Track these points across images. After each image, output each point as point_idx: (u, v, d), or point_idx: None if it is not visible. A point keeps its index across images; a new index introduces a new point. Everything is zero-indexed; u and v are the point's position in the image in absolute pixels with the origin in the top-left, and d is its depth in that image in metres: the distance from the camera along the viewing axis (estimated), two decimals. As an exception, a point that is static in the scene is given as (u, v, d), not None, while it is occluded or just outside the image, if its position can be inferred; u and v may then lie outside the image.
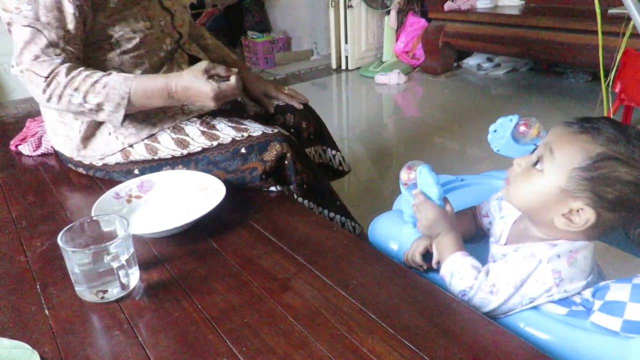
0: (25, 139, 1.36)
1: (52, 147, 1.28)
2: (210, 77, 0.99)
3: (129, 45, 1.06)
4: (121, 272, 0.74)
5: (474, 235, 0.93)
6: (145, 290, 0.78)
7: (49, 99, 0.98)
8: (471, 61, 3.93)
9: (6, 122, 1.66)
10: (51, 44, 0.96)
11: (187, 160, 1.11)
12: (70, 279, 0.76)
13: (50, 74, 0.95)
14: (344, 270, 0.80)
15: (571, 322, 0.70)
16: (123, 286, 0.76)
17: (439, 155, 2.47)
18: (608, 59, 1.58)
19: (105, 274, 0.74)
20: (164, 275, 0.81)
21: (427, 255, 0.85)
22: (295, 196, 1.11)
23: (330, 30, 4.08)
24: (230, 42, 4.82)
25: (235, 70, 1.02)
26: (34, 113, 1.60)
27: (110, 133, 1.10)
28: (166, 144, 1.10)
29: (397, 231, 0.93)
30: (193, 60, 1.18)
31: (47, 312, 0.74)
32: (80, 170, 1.20)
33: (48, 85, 0.96)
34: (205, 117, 1.14)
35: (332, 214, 1.19)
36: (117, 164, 1.13)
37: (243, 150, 1.07)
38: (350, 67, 4.12)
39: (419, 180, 0.83)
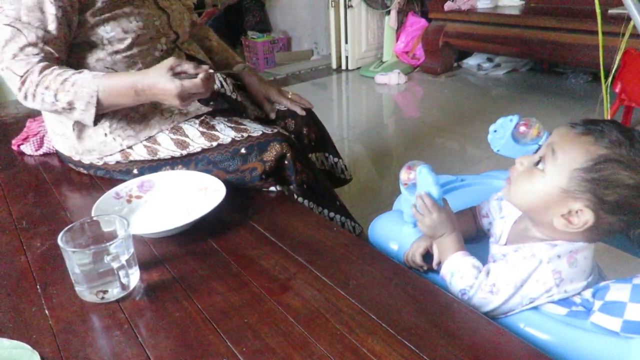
0: (27, 138, 1.36)
1: (53, 146, 1.28)
2: (177, 74, 0.95)
3: (121, 46, 1.05)
4: (121, 273, 0.74)
5: (474, 235, 0.93)
6: (146, 290, 0.78)
7: (25, 98, 0.99)
8: (471, 61, 3.93)
9: (6, 122, 1.66)
10: (30, 44, 0.96)
11: (187, 161, 1.11)
12: (70, 279, 0.76)
13: (26, 73, 0.96)
14: (344, 271, 0.80)
15: (571, 323, 0.70)
16: (123, 286, 0.76)
17: (439, 155, 2.46)
18: (608, 59, 1.58)
19: (105, 274, 0.74)
20: (164, 276, 0.82)
21: (427, 255, 0.85)
22: (296, 196, 1.11)
23: (330, 30, 4.08)
24: (231, 42, 4.82)
25: (205, 67, 0.97)
26: (34, 113, 1.60)
27: (106, 134, 1.10)
28: (166, 145, 1.10)
29: (397, 231, 0.93)
30: (192, 60, 1.18)
31: (47, 312, 0.74)
32: (81, 170, 1.20)
33: (23, 83, 0.97)
34: (205, 117, 1.14)
35: (332, 214, 1.19)
36: (117, 163, 1.13)
37: (243, 151, 1.07)
38: (350, 67, 4.12)
39: (419, 180, 0.83)
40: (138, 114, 1.10)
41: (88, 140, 1.12)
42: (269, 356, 0.63)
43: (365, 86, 3.79)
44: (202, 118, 1.13)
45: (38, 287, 0.80)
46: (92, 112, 0.98)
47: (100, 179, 1.16)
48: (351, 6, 3.86)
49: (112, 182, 1.12)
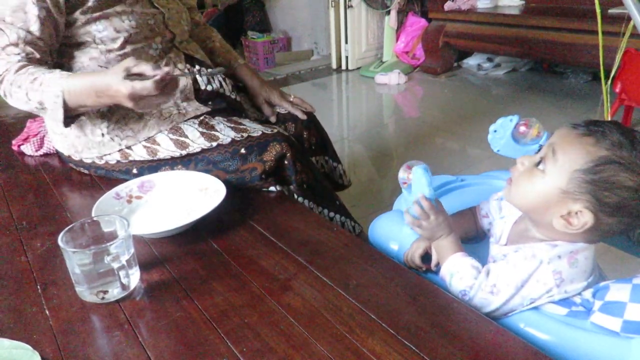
0: (27, 138, 1.37)
1: (53, 147, 1.28)
2: (133, 75, 0.90)
3: (114, 45, 1.05)
4: (121, 273, 0.74)
5: (474, 235, 0.93)
6: (146, 290, 0.78)
7: (4, 96, 1.00)
8: (471, 61, 3.93)
9: (7, 122, 1.66)
10: (11, 44, 0.97)
11: (187, 161, 1.11)
12: (70, 279, 0.76)
13: (4, 72, 0.97)
14: (344, 271, 0.80)
15: (571, 323, 0.70)
16: (123, 286, 0.76)
17: (439, 155, 2.47)
18: (608, 59, 1.58)
19: (105, 275, 0.74)
20: (165, 276, 0.82)
21: (426, 256, 0.85)
22: (296, 196, 1.11)
23: (330, 31, 4.08)
24: (231, 42, 4.80)
25: (163, 70, 0.90)
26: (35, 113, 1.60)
27: (103, 134, 1.10)
28: (165, 146, 1.10)
29: (397, 231, 0.94)
30: (190, 60, 1.18)
31: (47, 312, 0.74)
32: (81, 169, 1.20)
33: (1, 82, 0.98)
34: (204, 117, 1.14)
35: (332, 214, 1.19)
36: (117, 162, 1.13)
37: (243, 151, 1.07)
38: (350, 67, 4.12)
39: (413, 181, 0.83)
40: (136, 114, 1.10)
41: (86, 139, 1.12)
42: (269, 356, 0.63)
43: (365, 86, 3.79)
44: (201, 118, 1.13)
45: (38, 287, 0.80)
46: (60, 112, 0.96)
47: (100, 179, 1.16)
48: (351, 6, 3.87)
49: (112, 182, 1.12)
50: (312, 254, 0.85)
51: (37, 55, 1.00)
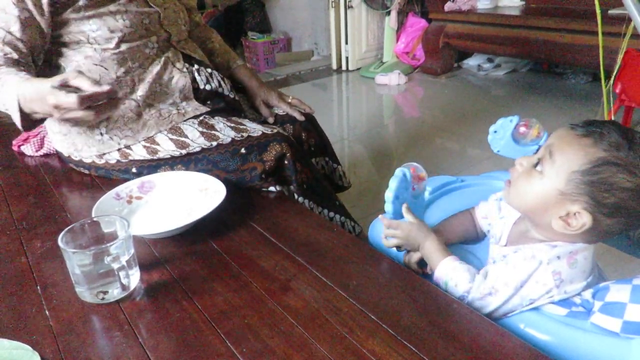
0: (27, 139, 1.37)
1: (53, 147, 1.28)
2: (69, 87, 0.86)
3: (109, 45, 1.05)
4: (122, 273, 0.74)
5: (474, 236, 0.93)
6: (146, 291, 0.78)
7: None
8: (471, 62, 3.94)
9: (7, 122, 1.66)
10: None
11: (187, 161, 1.11)
12: (70, 280, 0.76)
13: None
14: (344, 271, 0.80)
15: (571, 323, 0.70)
16: (123, 287, 0.76)
17: (439, 156, 2.47)
18: (608, 60, 1.58)
19: (105, 275, 0.74)
20: (165, 276, 0.82)
21: (423, 261, 0.85)
22: (296, 196, 1.11)
23: (330, 31, 4.08)
24: (231, 42, 4.83)
25: (103, 88, 0.84)
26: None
27: (102, 134, 1.11)
28: (165, 146, 1.10)
29: (398, 232, 0.93)
30: (188, 59, 1.18)
31: (47, 312, 0.74)
32: (82, 169, 1.20)
33: None
34: (204, 117, 1.14)
35: (331, 214, 1.19)
36: (117, 161, 1.13)
37: (243, 151, 1.07)
38: (350, 68, 4.13)
39: (387, 193, 0.84)
40: (135, 114, 1.10)
41: (86, 135, 1.12)
42: (269, 357, 0.63)
43: (366, 87, 3.79)
44: (201, 118, 1.13)
45: (38, 287, 0.80)
46: (17, 116, 0.94)
47: (100, 180, 1.16)
48: (351, 7, 3.87)
49: (113, 182, 1.12)
50: (312, 255, 0.85)
51: (15, 56, 0.99)
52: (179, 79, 1.14)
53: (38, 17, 0.99)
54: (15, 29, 0.98)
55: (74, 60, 1.07)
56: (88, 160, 1.16)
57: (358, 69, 4.12)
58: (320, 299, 0.73)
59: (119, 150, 1.12)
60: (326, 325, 0.68)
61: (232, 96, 1.25)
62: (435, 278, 0.79)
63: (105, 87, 0.85)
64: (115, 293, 0.76)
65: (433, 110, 3.22)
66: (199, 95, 1.17)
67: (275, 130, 1.11)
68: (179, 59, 1.16)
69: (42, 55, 1.06)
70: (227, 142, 1.08)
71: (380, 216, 0.85)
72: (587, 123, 0.70)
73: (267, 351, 0.64)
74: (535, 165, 0.73)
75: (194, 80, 1.16)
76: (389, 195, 0.81)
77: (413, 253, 0.86)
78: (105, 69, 1.07)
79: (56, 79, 0.86)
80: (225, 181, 1.01)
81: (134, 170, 1.13)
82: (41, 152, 1.33)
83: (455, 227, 0.91)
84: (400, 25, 3.98)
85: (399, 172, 0.82)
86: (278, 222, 0.97)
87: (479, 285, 0.74)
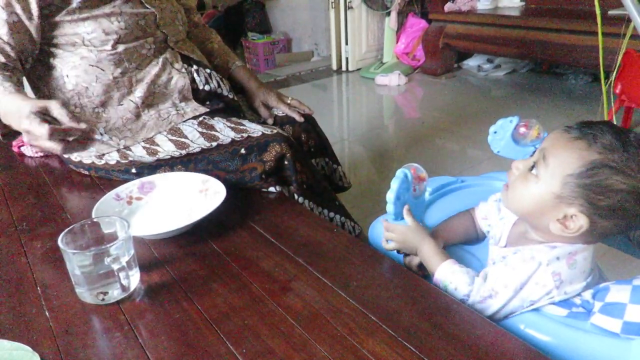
0: (26, 140, 1.37)
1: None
2: (46, 114, 0.86)
3: (105, 47, 1.05)
4: (122, 274, 0.74)
5: (474, 236, 0.93)
6: (146, 291, 0.78)
7: None
8: (471, 62, 3.94)
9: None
10: None
11: (187, 161, 1.11)
12: (70, 280, 0.76)
13: None
14: (344, 272, 0.80)
15: (571, 324, 0.70)
16: (123, 288, 0.76)
17: (439, 156, 2.47)
18: (608, 60, 1.58)
19: (105, 276, 0.74)
20: (165, 277, 0.82)
21: (423, 265, 0.85)
22: (296, 196, 1.11)
23: (330, 32, 4.08)
24: (231, 43, 4.83)
25: (80, 126, 0.85)
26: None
27: (102, 134, 1.11)
28: (165, 147, 1.10)
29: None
30: (187, 60, 1.18)
31: (47, 313, 0.74)
32: (81, 170, 1.20)
33: None
34: (204, 118, 1.14)
35: (331, 214, 1.19)
36: (117, 162, 1.13)
37: (243, 151, 1.07)
38: (350, 69, 4.13)
39: (388, 194, 0.84)
40: (133, 115, 1.10)
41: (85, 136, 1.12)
42: (269, 358, 0.63)
43: (366, 87, 3.79)
44: (200, 119, 1.13)
45: (38, 288, 0.80)
46: None
47: (100, 181, 1.16)
48: (351, 7, 3.87)
49: (113, 183, 1.12)
50: (312, 255, 0.85)
51: (2, 60, 0.99)
52: (178, 79, 1.14)
53: (27, 22, 1.00)
54: (3, 32, 0.98)
55: (70, 61, 1.07)
56: (88, 161, 1.16)
57: (358, 69, 4.12)
58: (320, 300, 0.73)
59: (118, 150, 1.12)
60: (326, 325, 0.68)
61: (231, 96, 1.25)
62: (435, 282, 0.79)
63: (82, 125, 0.85)
64: (115, 294, 0.76)
65: (433, 110, 3.22)
66: (198, 95, 1.17)
67: (275, 131, 1.11)
68: (177, 60, 1.16)
69: (30, 59, 1.06)
70: (227, 143, 1.08)
71: (381, 218, 0.85)
72: (581, 125, 0.70)
73: (267, 352, 0.64)
74: (531, 168, 0.73)
75: (193, 80, 1.17)
76: (390, 196, 0.81)
77: (414, 256, 0.86)
78: (102, 69, 1.07)
79: (38, 104, 0.86)
80: (225, 182, 1.01)
81: (133, 170, 1.13)
82: (41, 153, 1.33)
83: (456, 228, 0.91)
84: (400, 25, 3.99)
85: (400, 172, 0.82)
86: (278, 222, 0.97)
87: (478, 288, 0.73)
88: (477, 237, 0.93)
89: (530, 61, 3.75)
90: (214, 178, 1.02)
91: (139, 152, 1.11)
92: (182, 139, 1.10)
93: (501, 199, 0.79)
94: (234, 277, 0.80)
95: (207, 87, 1.19)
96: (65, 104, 0.88)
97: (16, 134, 1.40)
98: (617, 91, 2.28)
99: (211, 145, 1.09)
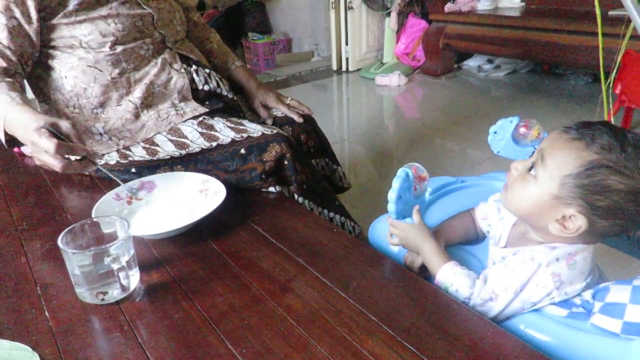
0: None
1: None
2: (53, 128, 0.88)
3: (103, 48, 1.06)
4: (121, 274, 0.74)
5: (474, 236, 0.93)
6: (146, 291, 0.78)
7: None
8: (472, 63, 3.94)
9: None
10: None
11: (187, 161, 1.11)
12: (70, 280, 0.76)
13: None
14: (344, 272, 0.80)
15: (571, 324, 0.70)
16: (123, 288, 0.76)
17: (439, 157, 2.47)
18: (608, 61, 1.58)
19: (105, 276, 0.74)
20: (164, 277, 0.82)
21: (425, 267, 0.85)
22: (296, 196, 1.11)
23: (330, 32, 4.08)
24: (231, 43, 4.83)
25: (86, 148, 0.89)
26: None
27: (101, 134, 1.11)
28: (165, 147, 1.10)
29: (398, 233, 0.93)
30: (186, 60, 1.18)
31: (47, 313, 0.74)
32: (81, 171, 1.20)
33: None
34: (203, 118, 1.14)
35: (331, 214, 1.19)
36: (117, 162, 1.14)
37: (242, 151, 1.07)
38: (350, 69, 4.13)
39: (390, 194, 0.84)
40: (132, 115, 1.10)
41: (86, 135, 1.12)
42: (268, 358, 0.63)
43: (366, 88, 3.79)
44: (200, 119, 1.13)
45: (38, 288, 0.80)
46: (1, 134, 0.96)
47: (100, 180, 1.16)
48: (351, 7, 3.87)
49: (112, 183, 1.12)
50: (312, 255, 0.85)
51: (4, 64, 0.99)
52: (177, 79, 1.14)
53: (26, 26, 1.00)
54: (3, 36, 0.98)
55: (68, 62, 1.07)
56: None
57: (358, 69, 4.12)
58: (320, 300, 0.73)
59: (117, 151, 1.12)
60: (326, 325, 0.68)
61: (230, 96, 1.25)
62: (436, 283, 0.79)
63: (89, 148, 0.90)
64: (115, 294, 0.75)
65: (433, 111, 3.22)
66: (198, 95, 1.17)
67: (275, 131, 1.11)
68: (176, 60, 1.16)
69: (30, 62, 1.06)
70: (227, 143, 1.08)
71: (382, 218, 0.85)
72: (578, 125, 0.70)
73: (267, 352, 0.64)
74: (530, 169, 0.73)
75: (192, 80, 1.17)
76: (392, 195, 0.81)
77: (416, 258, 0.86)
78: (100, 70, 1.07)
79: (48, 120, 0.88)
80: (225, 182, 1.01)
81: (133, 170, 1.13)
82: (41, 153, 1.33)
83: (456, 228, 0.91)
84: (401, 26, 3.99)
85: (401, 172, 0.82)
86: (278, 222, 0.97)
87: (479, 291, 0.73)
88: (477, 238, 0.93)
89: (531, 62, 3.75)
90: (214, 178, 1.02)
91: (138, 152, 1.11)
92: (182, 139, 1.10)
93: (500, 199, 0.79)
94: (233, 277, 0.80)
95: (206, 87, 1.19)
96: (75, 125, 0.91)
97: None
98: (617, 91, 2.28)
99: (211, 145, 1.09)
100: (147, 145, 1.11)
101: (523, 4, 3.55)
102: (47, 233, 0.96)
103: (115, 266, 0.72)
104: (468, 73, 3.88)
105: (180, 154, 1.10)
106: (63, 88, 1.09)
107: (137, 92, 1.10)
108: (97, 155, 1.08)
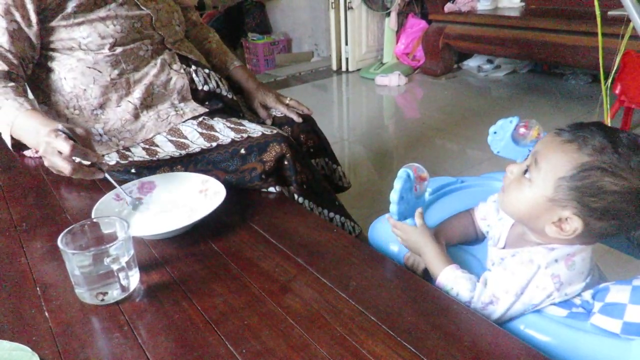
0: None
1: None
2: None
3: (102, 50, 1.06)
4: (121, 274, 0.74)
5: (473, 237, 0.93)
6: (145, 292, 0.78)
7: None
8: (471, 63, 3.94)
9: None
10: None
11: (186, 161, 1.11)
12: (70, 281, 0.76)
13: None
14: (344, 272, 0.80)
15: (571, 324, 0.70)
16: (123, 288, 0.76)
17: (439, 157, 2.47)
18: (608, 61, 1.58)
19: (105, 276, 0.74)
20: (164, 277, 0.81)
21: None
22: (296, 196, 1.11)
23: (330, 32, 4.08)
24: (231, 44, 4.83)
25: (97, 154, 0.91)
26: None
27: (101, 135, 1.11)
28: (165, 147, 1.10)
29: (397, 233, 0.93)
30: (185, 60, 1.18)
31: (47, 314, 0.74)
32: (81, 171, 1.20)
33: None
34: (203, 118, 1.14)
35: (331, 214, 1.19)
36: (117, 162, 1.14)
37: (242, 151, 1.07)
38: (350, 69, 4.13)
39: (392, 195, 0.84)
40: (132, 116, 1.10)
41: None
42: (268, 358, 0.63)
43: (366, 88, 3.79)
44: (200, 119, 1.13)
45: (38, 289, 0.80)
46: (8, 138, 0.98)
47: (100, 181, 1.16)
48: (351, 8, 3.87)
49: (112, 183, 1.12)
50: (312, 256, 0.85)
51: (5, 68, 1.00)
52: (176, 80, 1.14)
53: (26, 29, 1.00)
54: (4, 40, 0.99)
55: (67, 64, 1.07)
56: (86, 162, 1.16)
57: (358, 70, 4.12)
58: (320, 300, 0.73)
59: (117, 151, 1.12)
60: (326, 326, 0.68)
61: (230, 96, 1.25)
62: (437, 285, 0.79)
63: (100, 155, 0.94)
64: (114, 294, 0.75)
65: (433, 111, 3.22)
66: (197, 95, 1.17)
67: (275, 131, 1.11)
68: (175, 61, 1.16)
69: (31, 65, 1.06)
70: (227, 143, 1.08)
71: (387, 215, 0.84)
72: (571, 127, 0.70)
73: (267, 352, 0.64)
74: (525, 172, 0.73)
75: (191, 81, 1.17)
76: (394, 196, 0.81)
77: (419, 261, 0.86)
78: (99, 71, 1.07)
79: (65, 124, 0.91)
80: (225, 182, 1.01)
81: (133, 170, 1.13)
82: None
83: (455, 228, 0.91)
84: (400, 26, 3.99)
85: (402, 172, 0.82)
86: (278, 222, 0.96)
87: (480, 294, 0.73)
88: (477, 238, 0.93)
89: (530, 62, 3.75)
90: (214, 178, 1.02)
91: (138, 153, 1.11)
92: (182, 140, 1.10)
93: (498, 202, 0.79)
94: (233, 278, 0.80)
95: (206, 87, 1.19)
96: (89, 133, 0.94)
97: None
98: (617, 91, 2.28)
99: (211, 145, 1.09)
100: (147, 146, 1.11)
101: (523, 4, 3.55)
102: (47, 233, 0.95)
103: (115, 267, 0.72)
104: (468, 73, 3.88)
105: (180, 154, 1.10)
106: (62, 89, 1.09)
107: (137, 93, 1.10)
108: (106, 165, 1.09)
